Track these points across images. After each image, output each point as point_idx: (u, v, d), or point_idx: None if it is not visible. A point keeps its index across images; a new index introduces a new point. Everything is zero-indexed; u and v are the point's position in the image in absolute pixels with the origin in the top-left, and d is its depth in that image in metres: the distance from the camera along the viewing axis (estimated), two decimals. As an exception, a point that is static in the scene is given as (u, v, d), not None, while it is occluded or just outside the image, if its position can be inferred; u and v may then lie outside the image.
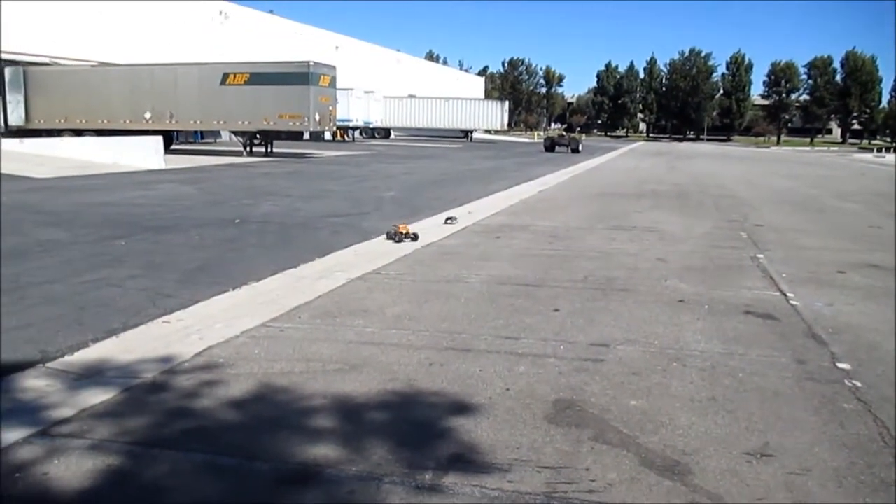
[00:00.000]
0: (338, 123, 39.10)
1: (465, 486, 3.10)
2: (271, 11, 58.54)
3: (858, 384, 4.54)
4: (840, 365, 4.92)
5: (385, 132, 62.16)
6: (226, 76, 30.42)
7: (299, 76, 29.79)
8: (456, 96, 70.37)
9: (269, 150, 31.49)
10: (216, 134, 40.26)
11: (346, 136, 52.59)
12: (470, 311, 5.98)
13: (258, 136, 31.32)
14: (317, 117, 30.28)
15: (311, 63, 30.32)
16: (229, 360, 4.66)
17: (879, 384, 4.57)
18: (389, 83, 66.26)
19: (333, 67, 32.37)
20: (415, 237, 9.38)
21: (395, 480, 3.13)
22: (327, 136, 45.65)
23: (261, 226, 11.03)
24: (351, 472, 3.21)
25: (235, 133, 32.51)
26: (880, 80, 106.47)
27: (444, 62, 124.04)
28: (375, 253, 8.56)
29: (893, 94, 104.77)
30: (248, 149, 31.20)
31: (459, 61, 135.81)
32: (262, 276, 7.21)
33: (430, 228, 10.62)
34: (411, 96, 67.39)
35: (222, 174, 21.77)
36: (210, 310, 6.03)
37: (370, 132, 58.95)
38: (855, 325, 6.02)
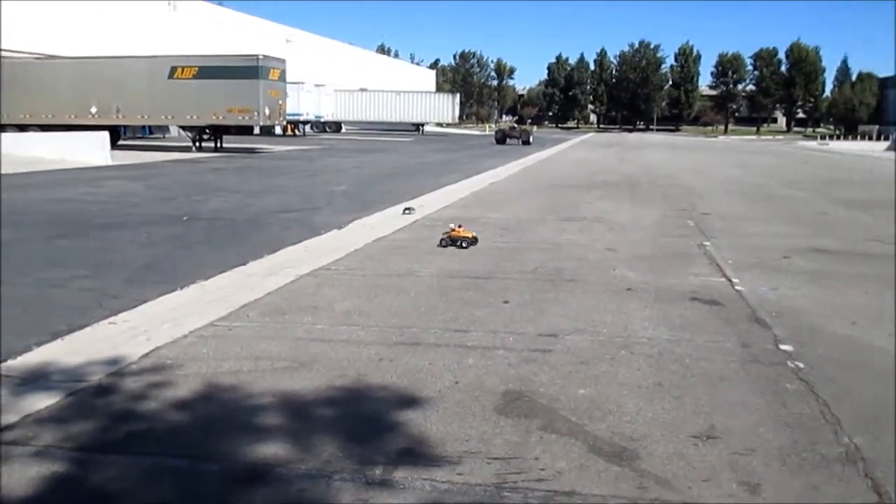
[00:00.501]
0: (288, 117, 38.70)
1: (416, 480, 3.09)
2: (221, 3, 57.70)
3: (801, 365, 4.65)
4: (783, 347, 5.04)
5: (336, 126, 61.73)
6: (174, 70, 29.83)
7: (248, 70, 29.37)
8: (407, 89, 70.18)
9: (218, 145, 30.99)
10: (164, 129, 39.54)
11: (296, 131, 52.11)
12: (420, 305, 5.96)
13: (207, 130, 30.80)
14: (266, 111, 29.91)
15: (261, 56, 29.93)
16: (177, 360, 4.57)
17: (821, 364, 4.69)
18: (340, 77, 65.77)
19: (283, 61, 31.98)
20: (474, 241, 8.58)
21: (345, 477, 3.11)
22: (277, 130, 45.15)
23: (210, 223, 10.86)
24: (301, 470, 3.17)
25: (184, 128, 31.92)
26: (823, 71, 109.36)
27: (396, 55, 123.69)
28: (326, 248, 8.49)
29: (836, 83, 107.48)
30: (197, 144, 30.66)
31: (411, 54, 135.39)
32: (211, 274, 7.09)
33: (381, 223, 10.58)
34: (363, 90, 66.98)
35: (171, 170, 21.38)
36: (157, 310, 5.91)
37: (321, 126, 58.47)
38: (798, 308, 6.17)
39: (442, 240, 8.66)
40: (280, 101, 31.56)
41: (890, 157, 45.52)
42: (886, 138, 72.30)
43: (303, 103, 50.58)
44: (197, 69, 29.69)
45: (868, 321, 5.79)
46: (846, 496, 3.03)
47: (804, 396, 4.12)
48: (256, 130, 34.33)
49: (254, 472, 3.16)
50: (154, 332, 5.15)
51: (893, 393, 4.17)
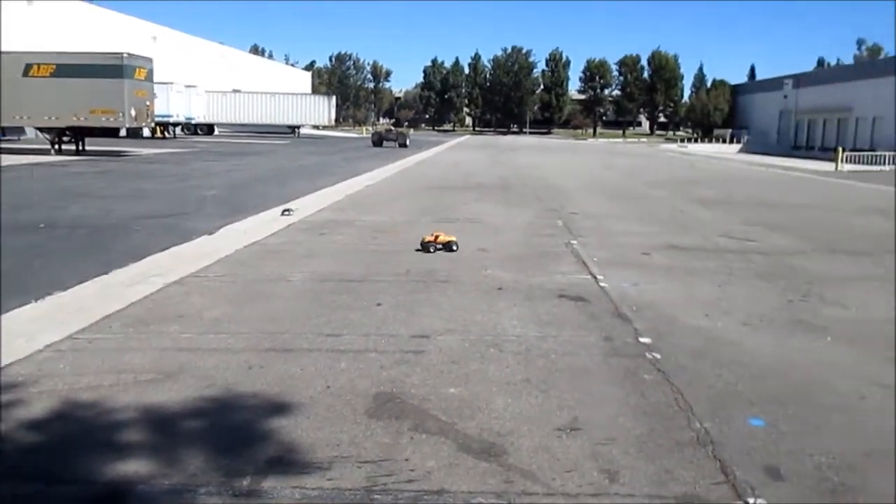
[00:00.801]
0: (157, 119, 37.06)
1: (285, 489, 3.05)
2: (81, -1, 54.50)
3: (658, 356, 4.92)
4: (642, 339, 5.31)
5: (208, 128, 59.65)
6: (29, 67, 27.88)
7: (112, 68, 27.90)
8: (282, 91, 68.81)
9: (80, 147, 29.28)
10: (20, 131, 36.95)
11: (166, 133, 50.01)
12: (292, 311, 5.88)
13: (68, 132, 29.05)
14: (133, 113, 28.52)
15: (126, 55, 28.51)
16: (31, 377, 4.29)
17: (676, 354, 4.98)
18: (212, 77, 63.65)
19: (150, 60, 30.60)
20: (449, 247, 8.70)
21: (211, 490, 3.03)
22: (146, 132, 43.17)
23: (69, 230, 10.25)
24: (164, 485, 3.07)
25: (41, 130, 29.94)
26: (682, 77, 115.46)
27: (270, 56, 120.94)
28: (195, 255, 8.21)
29: (693, 89, 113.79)
30: (55, 147, 28.86)
31: (286, 55, 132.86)
32: (70, 285, 6.69)
33: (254, 227, 10.34)
34: (236, 91, 65.09)
35: (27, 174, 20.00)
36: (10, 324, 5.52)
37: (192, 128, 56.32)
38: (657, 301, 6.51)
39: (429, 246, 8.67)
40: (147, 102, 30.19)
41: (739, 158, 48.79)
42: (738, 141, 77.35)
43: (172, 104, 48.55)
44: (55, 67, 27.91)
45: (719, 313, 6.19)
46: (697, 478, 3.23)
47: (660, 386, 4.36)
48: (122, 133, 32.68)
49: (114, 492, 3.03)
50: (6, 348, 4.82)
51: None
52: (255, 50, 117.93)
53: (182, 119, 51.94)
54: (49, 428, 3.63)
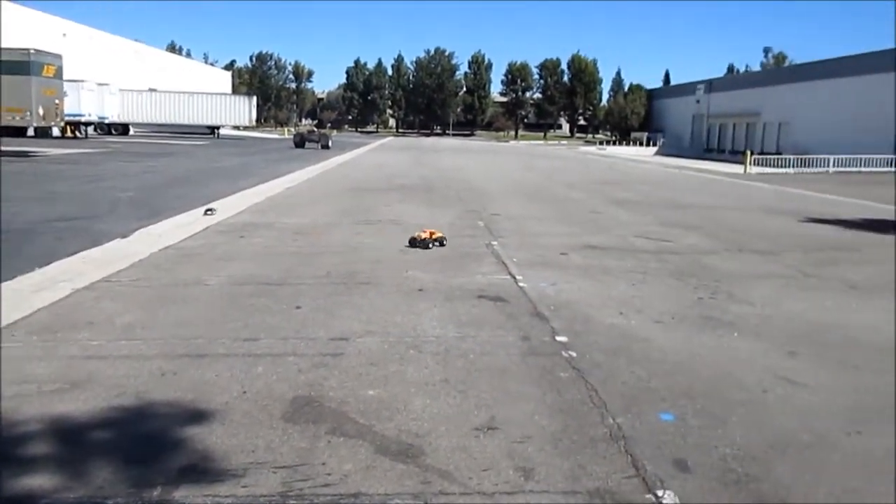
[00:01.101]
0: (67, 118, 35.70)
1: (197, 498, 2.98)
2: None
3: (574, 354, 5.02)
4: (559, 338, 5.41)
5: (123, 128, 57.65)
6: (-73, 62, 26.54)
7: (19, 65, 26.78)
8: (201, 91, 67.17)
9: (-18, 148, 27.94)
10: (-87, 131, 35.03)
11: (77, 133, 48.05)
12: (208, 315, 5.75)
13: (-31, 132, 27.70)
14: (41, 111, 27.48)
15: (33, 51, 27.39)
16: (-77, 389, 4.07)
17: (591, 352, 5.09)
18: (127, 75, 61.62)
19: (59, 56, 29.54)
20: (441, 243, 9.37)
21: (119, 502, 2.94)
22: (55, 132, 41.46)
23: (-31, 234, 9.75)
24: (69, 499, 2.96)
25: (-62, 129, 28.46)
26: (601, 81, 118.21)
27: (189, 55, 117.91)
28: (106, 259, 7.93)
29: (611, 93, 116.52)
30: (-45, 147, 27.46)
31: (204, 54, 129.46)
32: (-31, 291, 6.37)
33: (170, 230, 10.07)
34: (152, 90, 63.21)
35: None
36: None
37: (106, 128, 54.33)
38: (573, 300, 6.64)
39: (427, 243, 9.27)
40: (57, 101, 29.12)
41: (655, 160, 50.30)
42: (654, 144, 79.68)
43: (84, 103, 46.76)
44: (-46, 63, 26.63)
45: (633, 311, 6.36)
46: (609, 472, 3.31)
47: (575, 383, 4.45)
48: (30, 132, 31.30)
49: (16, 507, 2.90)
50: None
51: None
52: (173, 48, 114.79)
53: (94, 118, 50.04)
54: (-55, 443, 3.46)
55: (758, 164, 38.96)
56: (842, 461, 3.52)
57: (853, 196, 21.75)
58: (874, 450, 3.65)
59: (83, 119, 47.59)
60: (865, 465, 3.49)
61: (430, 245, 9.25)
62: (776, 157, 41.55)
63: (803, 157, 39.05)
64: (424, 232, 9.46)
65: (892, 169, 37.32)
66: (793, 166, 37.84)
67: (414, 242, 9.28)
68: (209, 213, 11.03)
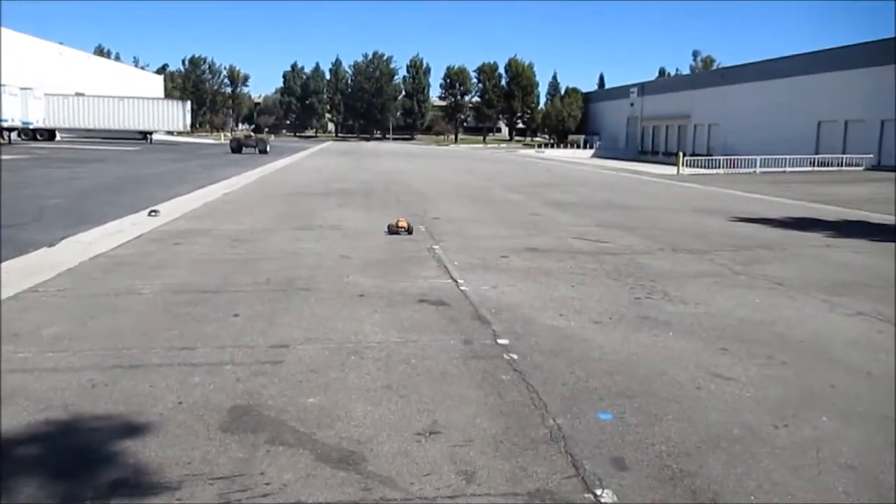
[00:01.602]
0: (-11, 124, 34.35)
1: (130, 512, 2.90)
2: None
3: (515, 356, 5.05)
4: (500, 341, 5.44)
5: (49, 134, 55.71)
6: None
7: (-67, 69, 25.64)
8: (132, 95, 65.48)
9: None
10: None
11: (0, 139, 46.36)
12: (142, 325, 5.60)
13: None
14: (-40, 117, 26.31)
15: (-52, 54, 26.25)
16: None
17: (532, 353, 5.13)
18: (52, 79, 59.68)
19: (-22, 60, 28.38)
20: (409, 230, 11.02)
21: (46, 519, 2.83)
22: (-24, 138, 39.93)
23: None
24: (-7, 518, 2.84)
25: None
26: (537, 85, 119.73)
27: (117, 58, 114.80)
28: (33, 269, 7.65)
29: (549, 96, 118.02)
30: None
31: (134, 58, 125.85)
32: None
33: (100, 238, 9.78)
34: (79, 94, 61.35)
35: None
36: None
37: (31, 134, 52.47)
38: (514, 303, 6.69)
39: (398, 230, 10.98)
40: (-24, 105, 27.95)
41: (592, 162, 51.15)
42: (591, 146, 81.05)
43: (6, 108, 45.10)
44: None
45: (572, 312, 6.44)
46: (550, 473, 3.34)
47: (517, 385, 4.48)
48: (-52, 138, 30.03)
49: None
50: None
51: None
52: (100, 51, 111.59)
53: (18, 124, 48.31)
54: None
55: (690, 165, 39.99)
56: (770, 454, 3.63)
57: (779, 195, 22.52)
58: (800, 442, 3.78)
59: (6, 124, 45.90)
60: (792, 456, 3.60)
61: (401, 232, 10.90)
62: (707, 158, 42.72)
63: (732, 157, 40.26)
64: (402, 221, 11.25)
65: (814, 168, 38.84)
66: (723, 167, 38.97)
67: (391, 229, 11.04)
68: (153, 214, 10.77)
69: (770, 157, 39.53)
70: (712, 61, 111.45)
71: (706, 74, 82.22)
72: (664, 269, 8.79)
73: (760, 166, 38.68)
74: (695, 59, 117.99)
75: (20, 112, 47.68)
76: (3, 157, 31.96)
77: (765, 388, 4.58)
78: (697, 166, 39.75)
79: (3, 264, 7.88)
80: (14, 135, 49.36)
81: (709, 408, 4.21)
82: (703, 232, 12.71)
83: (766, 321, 6.33)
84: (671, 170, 39.14)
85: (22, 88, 47.88)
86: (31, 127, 50.99)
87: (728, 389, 4.53)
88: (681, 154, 41.71)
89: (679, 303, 6.95)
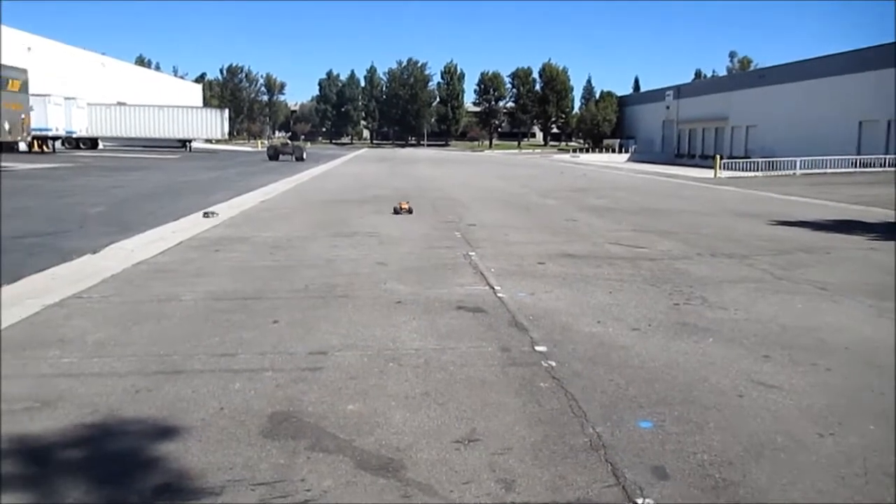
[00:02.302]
0: (34, 133, 35.27)
1: (174, 517, 2.94)
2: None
3: (553, 364, 5.02)
4: (538, 348, 5.42)
5: (92, 142, 57.05)
6: None
7: (-18, 80, 26.43)
8: (171, 104, 66.68)
9: (-53, 164, 27.51)
10: None
11: (45, 147, 47.42)
12: (183, 331, 5.68)
13: (-68, 148, 27.28)
14: (6, 126, 27.11)
15: (-4, 66, 27.03)
16: None
17: (570, 361, 5.10)
18: (95, 89, 61.04)
19: (24, 71, 29.23)
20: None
21: (92, 523, 2.89)
22: (22, 146, 40.87)
23: (-65, 253, 9.56)
24: (41, 521, 2.90)
25: None
26: (572, 89, 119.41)
27: (158, 68, 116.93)
28: (77, 275, 7.81)
29: (583, 101, 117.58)
30: (-81, 164, 27.01)
31: (174, 67, 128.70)
32: (-65, 312, 6.25)
33: (143, 245, 9.96)
34: (121, 104, 62.66)
35: None
36: None
37: (74, 142, 53.73)
38: (552, 310, 6.66)
39: (396, 209, 14.35)
40: (23, 115, 28.79)
41: (628, 166, 50.75)
42: (626, 150, 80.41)
43: (51, 117, 46.22)
44: (-84, 78, 26.22)
45: (610, 319, 6.39)
46: (590, 482, 3.31)
47: (555, 393, 4.46)
48: (-4, 147, 30.84)
49: (-15, 531, 2.84)
50: None
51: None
52: (141, 61, 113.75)
53: (62, 133, 49.49)
54: (-88, 467, 3.38)
55: (727, 168, 39.49)
56: (815, 463, 3.55)
57: (820, 197, 22.12)
58: (847, 451, 3.70)
59: (50, 134, 47.01)
60: (838, 465, 3.53)
61: (402, 212, 14.35)
62: (745, 160, 42.15)
63: (771, 159, 39.66)
64: (405, 203, 14.62)
65: (856, 169, 38.05)
66: (761, 169, 38.42)
67: (397, 210, 14.44)
68: (210, 215, 11.03)
69: (810, 158, 38.87)
70: (750, 62, 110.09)
71: (744, 75, 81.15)
72: (703, 274, 8.69)
73: (800, 168, 38.06)
74: (731, 61, 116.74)
75: (64, 121, 48.82)
76: (50, 165, 32.73)
77: (809, 396, 4.49)
78: (735, 169, 39.25)
79: (49, 270, 8.07)
80: (58, 143, 50.56)
81: (751, 416, 4.14)
82: (741, 236, 12.53)
83: (809, 327, 6.21)
84: (708, 173, 38.67)
85: (66, 98, 49.03)
86: (74, 136, 52.23)
87: (771, 397, 4.45)
88: (718, 157, 41.19)
89: (719, 309, 6.85)
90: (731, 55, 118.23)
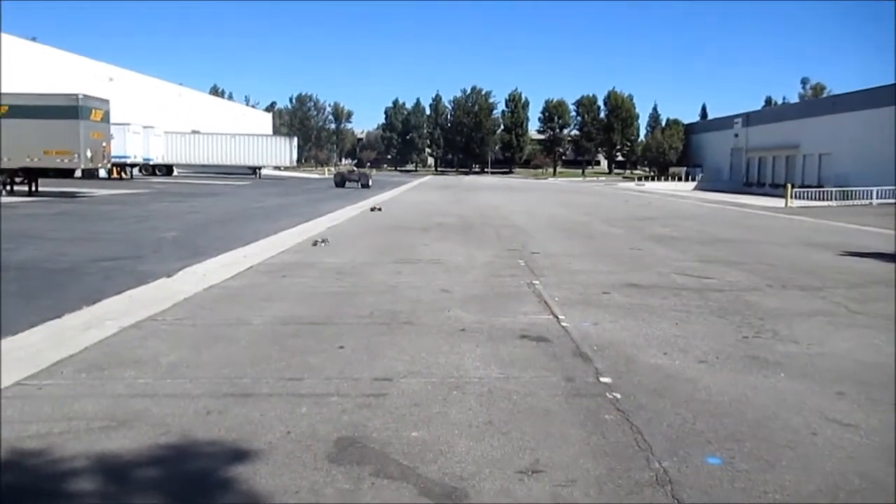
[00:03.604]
0: (113, 160, 36.75)
1: (243, 538, 3.00)
2: (34, 39, 54.07)
3: (618, 395, 4.96)
4: (603, 379, 5.36)
5: (167, 169, 59.18)
6: (-20, 108, 27.57)
7: (67, 109, 27.65)
8: (243, 132, 68.70)
9: (33, 189, 28.83)
10: (-31, 173, 36.30)
11: (123, 174, 49.39)
12: (252, 355, 5.82)
13: (20, 173, 28.60)
14: (88, 154, 28.24)
15: (81, 96, 28.28)
16: (-24, 426, 4.18)
17: (636, 393, 5.03)
18: (171, 118, 63.34)
19: (106, 101, 30.47)
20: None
21: (165, 541, 2.97)
22: (102, 173, 42.54)
23: (19, 273, 10.03)
24: (117, 537, 3.00)
25: (-7, 171, 29.42)
26: (637, 117, 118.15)
27: (230, 97, 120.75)
28: (152, 298, 8.10)
29: (649, 128, 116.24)
30: (7, 188, 28.36)
31: (246, 96, 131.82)
32: (20, 329, 6.54)
33: (214, 270, 10.24)
34: (195, 132, 64.83)
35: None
36: (-45, 372, 5.38)
37: (150, 169, 55.85)
38: (616, 340, 6.59)
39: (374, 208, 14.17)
40: (104, 143, 29.95)
41: (695, 195, 49.85)
42: (693, 178, 79.07)
43: (130, 145, 48.14)
44: (7, 108, 27.61)
45: (677, 350, 6.28)
46: (656, 517, 3.25)
47: (620, 425, 4.40)
48: (78, 174, 32.21)
49: (65, 545, 2.95)
50: (-49, 398, 4.69)
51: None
52: (215, 91, 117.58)
53: (140, 160, 51.49)
54: (-7, 479, 3.54)
55: (799, 197, 38.45)
56: (898, 507, 3.42)
57: (900, 230, 21.29)
58: (931, 496, 3.54)
59: (129, 161, 48.92)
60: (923, 511, 3.38)
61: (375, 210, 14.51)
62: (818, 189, 40.98)
63: (845, 189, 38.44)
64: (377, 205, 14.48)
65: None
66: (835, 199, 37.28)
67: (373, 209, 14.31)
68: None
69: (887, 188, 37.52)
70: (823, 88, 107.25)
71: (817, 102, 79.12)
72: (773, 306, 8.46)
73: (877, 197, 36.76)
74: (804, 87, 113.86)
75: (142, 149, 50.78)
76: (128, 191, 34.03)
77: (888, 436, 4.32)
78: (807, 198, 38.19)
79: (127, 293, 8.38)
80: (136, 170, 52.58)
81: (826, 455, 4.01)
82: (814, 267, 12.16)
83: (887, 364, 5.97)
84: (779, 202, 37.69)
85: (144, 127, 51.02)
86: (151, 163, 54.26)
87: (847, 436, 4.30)
88: (789, 185, 40.15)
89: (790, 342, 6.66)
90: (804, 81, 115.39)
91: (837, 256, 14.08)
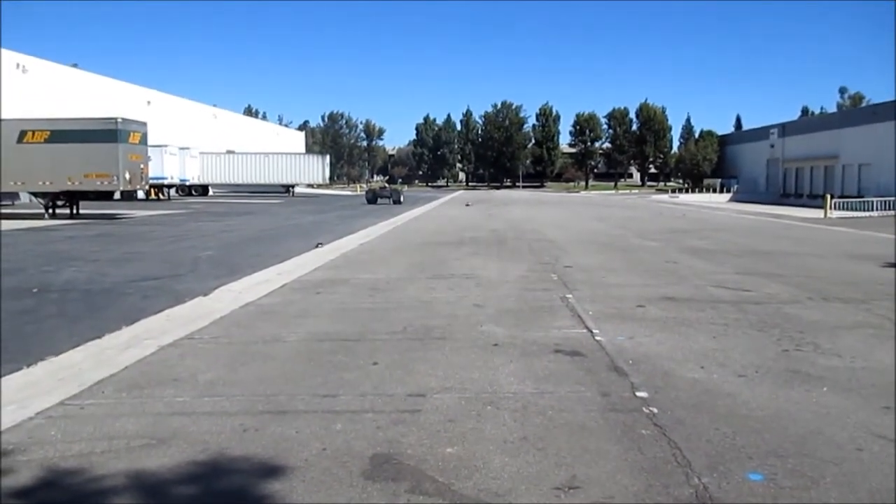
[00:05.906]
0: (151, 181, 37.42)
1: (280, 555, 3.01)
2: (75, 65, 55.51)
3: (655, 410, 4.89)
4: (639, 394, 5.29)
5: (203, 189, 60.15)
6: (23, 133, 28.25)
7: (106, 133, 28.25)
8: (276, 151, 69.61)
9: (74, 211, 29.45)
10: (14, 196, 37.16)
11: (160, 195, 50.28)
12: (287, 371, 5.86)
13: (62, 196, 29.26)
14: (127, 176, 28.77)
15: (120, 119, 28.87)
16: (20, 445, 4.25)
17: (673, 408, 4.95)
18: (206, 139, 64.51)
19: (144, 124, 31.08)
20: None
21: (204, 558, 2.99)
22: (140, 195, 43.36)
23: (62, 294, 10.25)
24: (157, 554, 3.02)
25: (35, 194, 30.14)
26: (670, 129, 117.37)
27: (264, 117, 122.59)
28: (189, 317, 8.20)
29: (682, 140, 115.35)
30: (49, 211, 29.01)
31: (279, 116, 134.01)
32: (63, 350, 6.68)
33: (249, 288, 10.35)
34: (230, 152, 65.86)
35: (20, 239, 20.03)
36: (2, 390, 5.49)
37: (187, 189, 56.82)
38: (652, 354, 6.50)
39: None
40: (142, 165, 30.49)
41: (730, 206, 49.23)
42: (728, 190, 78.15)
43: (167, 167, 49.10)
44: (49, 133, 28.29)
45: (714, 364, 6.18)
46: (697, 535, 3.19)
47: (658, 441, 4.33)
48: (117, 195, 32.86)
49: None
50: (-4, 417, 4.78)
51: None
52: (249, 111, 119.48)
53: (176, 181, 52.46)
54: (37, 497, 3.60)
55: (838, 207, 37.78)
56: (949, 525, 3.31)
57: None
58: (984, 513, 3.43)
59: (166, 182, 49.84)
60: (976, 529, 3.27)
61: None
62: (858, 200, 40.22)
63: (887, 199, 37.67)
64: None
65: None
66: (877, 209, 36.55)
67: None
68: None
69: (930, 197, 36.72)
70: (862, 98, 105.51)
71: (855, 112, 77.85)
72: (814, 319, 8.30)
73: (920, 208, 35.98)
74: (842, 96, 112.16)
75: (178, 170, 51.72)
76: (165, 211, 34.62)
77: (936, 452, 4.19)
78: (847, 209, 37.50)
79: (164, 312, 8.50)
80: (172, 190, 53.51)
81: (872, 471, 3.91)
82: (856, 279, 11.91)
83: (934, 377, 5.82)
84: (817, 213, 37.06)
85: (181, 148, 51.98)
86: (187, 183, 55.19)
87: (894, 452, 4.18)
88: (828, 196, 39.48)
89: (833, 356, 6.52)
90: (842, 90, 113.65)
91: (881, 268, 13.78)
